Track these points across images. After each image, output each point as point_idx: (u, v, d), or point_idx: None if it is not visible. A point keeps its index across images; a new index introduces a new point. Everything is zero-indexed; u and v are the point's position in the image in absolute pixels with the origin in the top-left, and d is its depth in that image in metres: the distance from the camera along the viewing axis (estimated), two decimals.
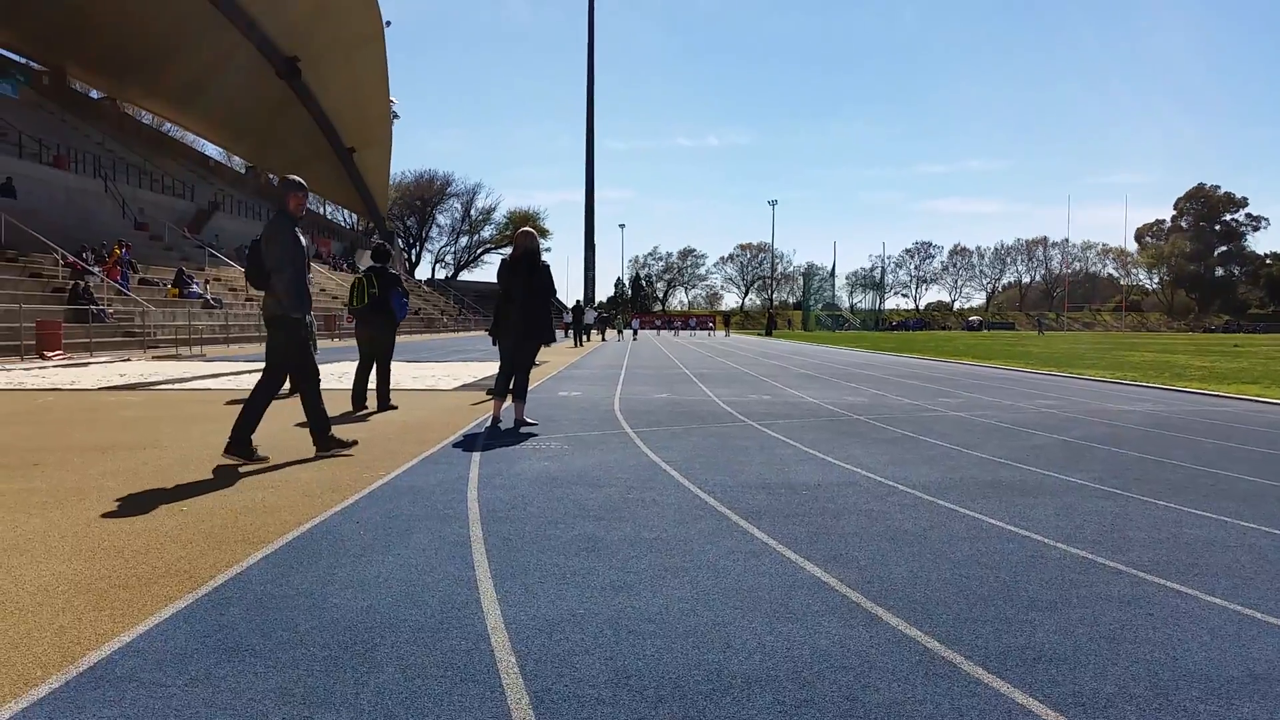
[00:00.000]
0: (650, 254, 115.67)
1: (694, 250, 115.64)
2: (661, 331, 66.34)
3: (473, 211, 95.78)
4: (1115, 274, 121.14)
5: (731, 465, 5.45)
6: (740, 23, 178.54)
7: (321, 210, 71.64)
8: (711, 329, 70.98)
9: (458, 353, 22.46)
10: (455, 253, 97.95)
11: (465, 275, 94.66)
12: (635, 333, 49.76)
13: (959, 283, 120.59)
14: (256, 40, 42.92)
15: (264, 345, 5.73)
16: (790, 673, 2.27)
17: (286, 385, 8.76)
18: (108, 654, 2.33)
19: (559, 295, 7.72)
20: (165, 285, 27.61)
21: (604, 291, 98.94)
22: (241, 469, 5.10)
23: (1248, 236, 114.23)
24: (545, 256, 7.38)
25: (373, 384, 8.56)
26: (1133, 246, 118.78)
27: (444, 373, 14.21)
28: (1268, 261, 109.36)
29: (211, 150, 60.60)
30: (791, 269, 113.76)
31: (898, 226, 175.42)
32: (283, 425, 7.04)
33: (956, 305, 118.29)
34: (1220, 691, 2.20)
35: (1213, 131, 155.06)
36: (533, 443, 6.29)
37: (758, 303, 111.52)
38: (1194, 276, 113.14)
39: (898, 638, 2.53)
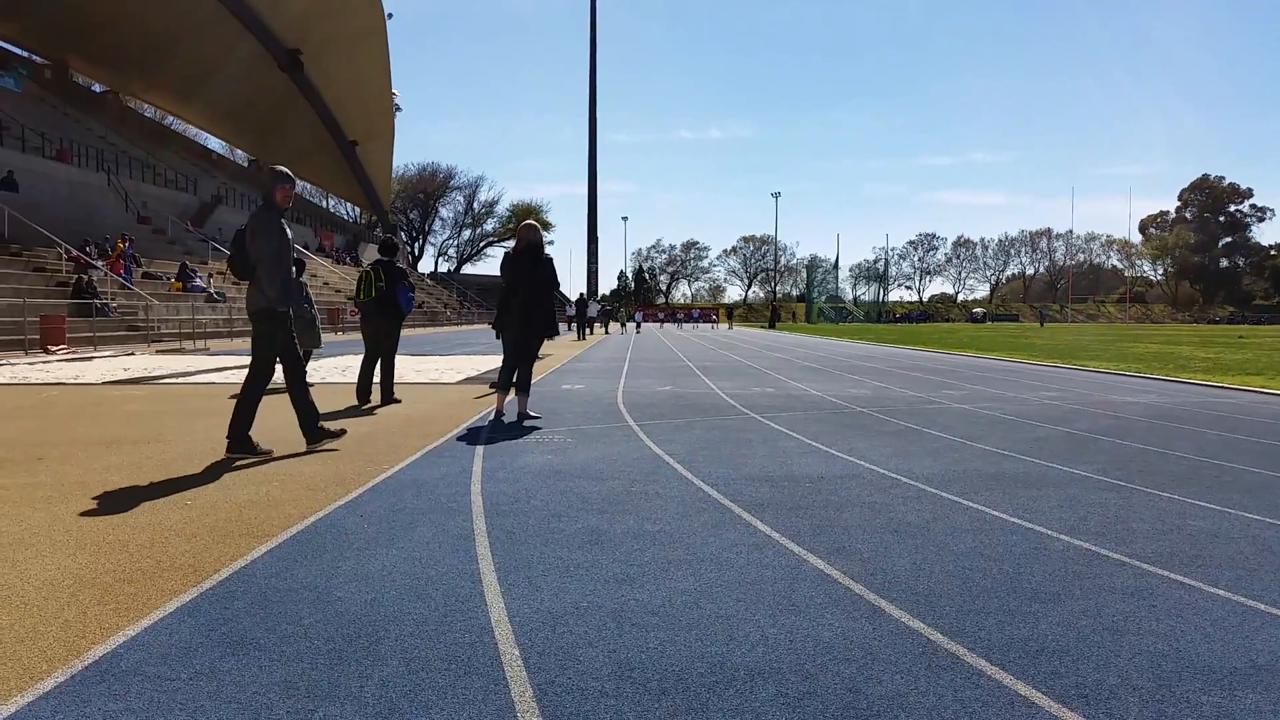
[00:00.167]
0: (653, 247, 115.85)
1: (697, 243, 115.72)
2: (665, 324, 66.29)
3: (475, 204, 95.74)
4: (1119, 265, 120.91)
5: (735, 458, 5.45)
6: (742, 14, 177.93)
7: (324, 204, 71.65)
8: (715, 322, 70.91)
9: (461, 346, 22.48)
10: (458, 246, 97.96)
11: (468, 268, 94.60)
12: (638, 326, 49.73)
13: (962, 275, 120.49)
14: (258, 33, 42.81)
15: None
16: (793, 665, 2.28)
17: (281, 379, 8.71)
18: (113, 648, 2.34)
19: (562, 288, 7.69)
20: (169, 279, 27.64)
21: (607, 284, 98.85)
22: (245, 463, 5.11)
23: (1252, 228, 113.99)
24: (548, 250, 7.37)
25: (377, 378, 8.57)
26: (1137, 238, 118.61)
27: (447, 366, 14.22)
28: (1272, 253, 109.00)
29: (214, 144, 60.60)
30: (795, 261, 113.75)
31: (901, 218, 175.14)
32: (286, 420, 7.05)
33: (960, 297, 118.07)
34: (1223, 683, 2.20)
35: (1217, 122, 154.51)
36: (536, 436, 6.30)
37: (761, 295, 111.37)
38: (1198, 268, 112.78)
39: (901, 630, 2.54)
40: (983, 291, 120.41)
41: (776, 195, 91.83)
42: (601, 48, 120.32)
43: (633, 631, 2.50)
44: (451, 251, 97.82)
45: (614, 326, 50.65)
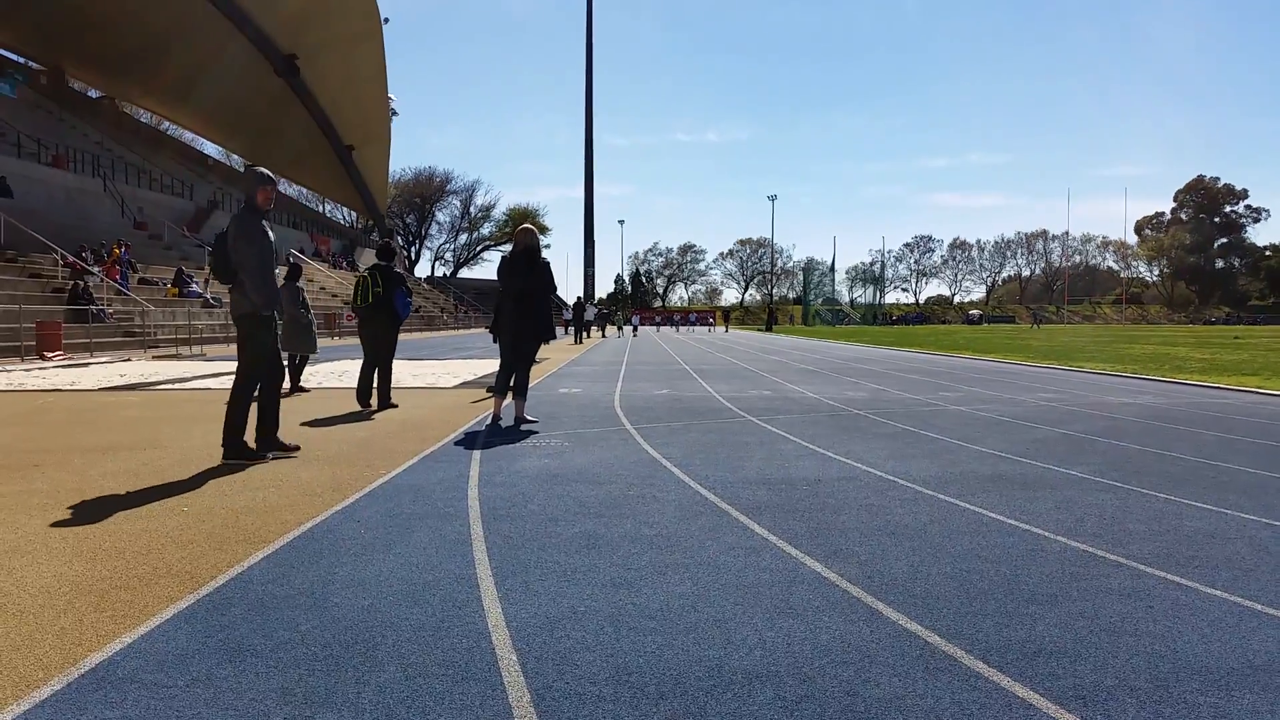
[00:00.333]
0: (650, 250, 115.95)
1: (694, 246, 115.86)
2: (662, 328, 66.31)
3: (472, 208, 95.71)
4: (1115, 267, 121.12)
5: (732, 461, 5.45)
6: (739, 17, 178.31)
7: (320, 208, 71.62)
8: (711, 325, 70.93)
9: (458, 350, 22.46)
10: (455, 250, 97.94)
11: (465, 272, 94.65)
12: (635, 329, 49.73)
13: (959, 276, 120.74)
14: (254, 38, 42.82)
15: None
16: (791, 668, 2.28)
17: (287, 384, 8.73)
18: (109, 655, 2.33)
19: (559, 292, 7.69)
20: (165, 285, 27.60)
21: (604, 288, 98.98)
22: (242, 469, 5.10)
23: (1248, 228, 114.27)
24: (545, 253, 7.36)
25: (376, 381, 8.56)
26: (1132, 239, 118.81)
27: (444, 370, 14.21)
28: (1268, 253, 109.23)
29: (210, 149, 60.60)
30: (791, 264, 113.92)
31: (898, 221, 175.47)
32: (284, 425, 7.04)
33: (956, 299, 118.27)
34: (1221, 683, 2.20)
35: (1213, 124, 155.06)
36: (533, 440, 6.29)
37: (758, 298, 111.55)
38: (1194, 269, 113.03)
39: (898, 632, 2.54)
40: (979, 293, 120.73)
41: (773, 198, 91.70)
42: (598, 51, 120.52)
43: (630, 636, 2.49)
44: (448, 255, 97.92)
45: (611, 330, 50.66)
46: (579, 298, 37.07)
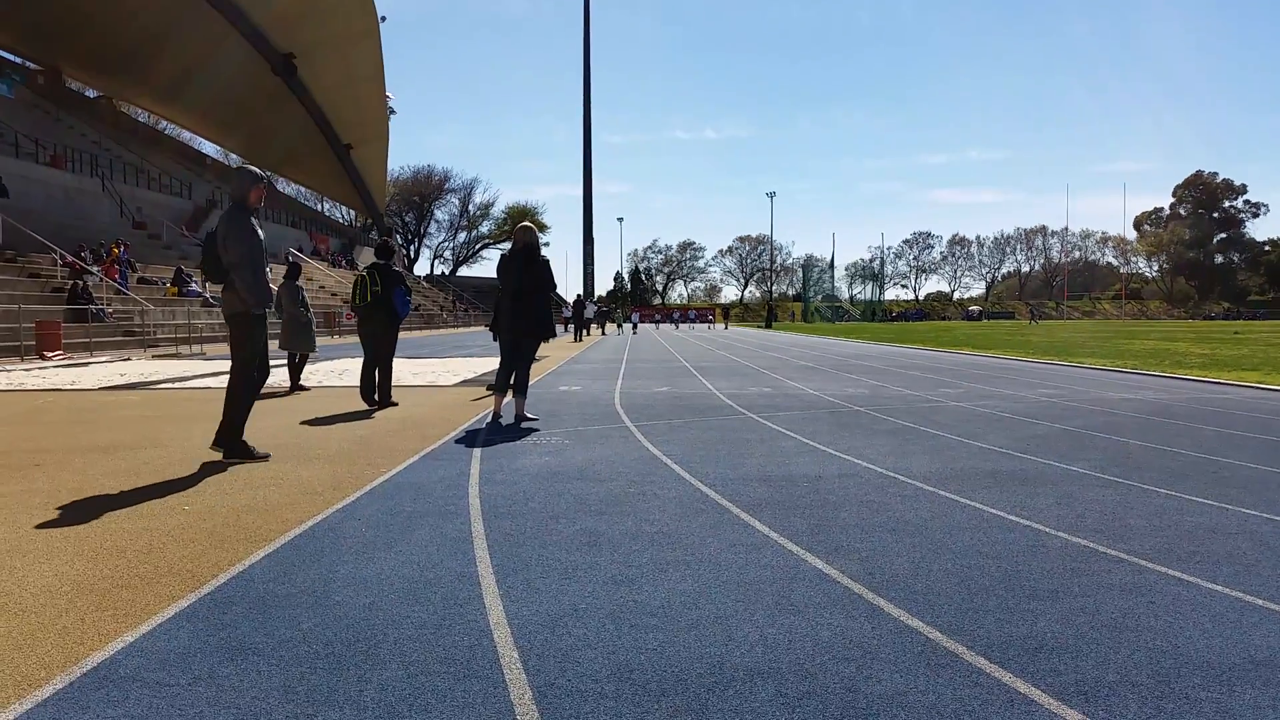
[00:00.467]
0: (649, 247, 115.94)
1: (693, 243, 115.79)
2: (661, 325, 66.31)
3: (471, 207, 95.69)
4: (1114, 262, 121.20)
5: (732, 458, 5.45)
6: (736, 14, 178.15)
7: (319, 207, 71.55)
8: (711, 322, 70.93)
9: (458, 348, 22.46)
10: (454, 248, 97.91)
11: (464, 270, 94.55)
12: (635, 326, 49.72)
13: (958, 273, 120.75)
14: (252, 37, 42.73)
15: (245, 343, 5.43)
16: (792, 665, 2.28)
17: (287, 383, 8.73)
18: (111, 654, 2.33)
19: (558, 290, 7.69)
20: (164, 284, 27.59)
21: (603, 285, 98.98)
22: (242, 468, 5.10)
23: (1247, 223, 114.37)
24: (544, 251, 7.36)
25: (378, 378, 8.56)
26: (1132, 235, 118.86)
27: (444, 368, 14.21)
28: (1267, 248, 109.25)
29: (208, 148, 60.52)
30: (791, 261, 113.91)
31: (897, 217, 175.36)
32: (285, 424, 7.06)
33: (956, 295, 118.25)
34: (1222, 678, 2.20)
35: (1211, 119, 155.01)
36: (533, 438, 6.29)
37: (757, 295, 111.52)
38: (1193, 264, 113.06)
39: (899, 629, 2.54)
40: (978, 290, 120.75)
41: (771, 195, 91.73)
42: (595, 49, 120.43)
43: (631, 633, 2.49)
44: (447, 254, 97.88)
45: (611, 327, 50.66)
46: (579, 295, 37.07)
